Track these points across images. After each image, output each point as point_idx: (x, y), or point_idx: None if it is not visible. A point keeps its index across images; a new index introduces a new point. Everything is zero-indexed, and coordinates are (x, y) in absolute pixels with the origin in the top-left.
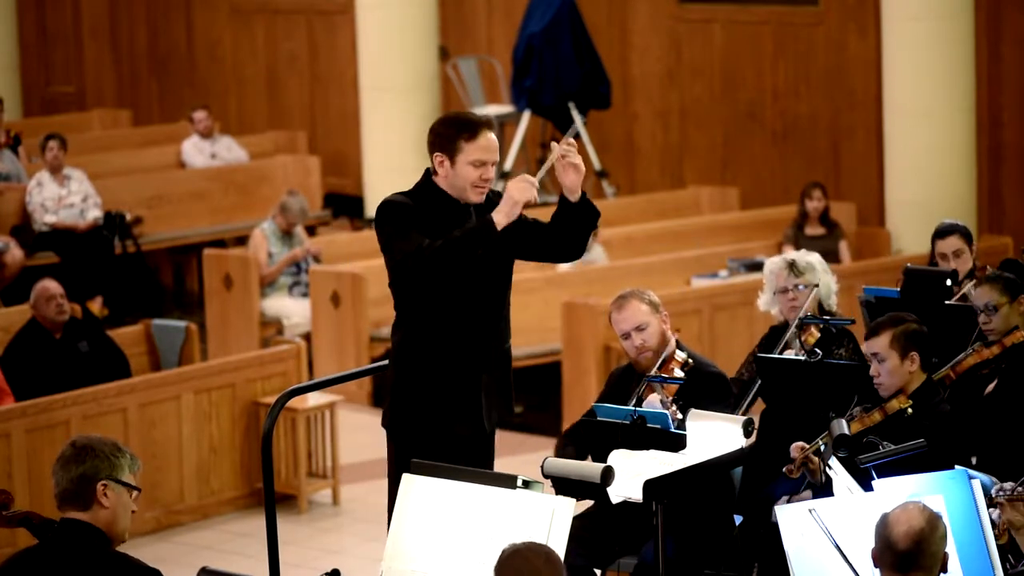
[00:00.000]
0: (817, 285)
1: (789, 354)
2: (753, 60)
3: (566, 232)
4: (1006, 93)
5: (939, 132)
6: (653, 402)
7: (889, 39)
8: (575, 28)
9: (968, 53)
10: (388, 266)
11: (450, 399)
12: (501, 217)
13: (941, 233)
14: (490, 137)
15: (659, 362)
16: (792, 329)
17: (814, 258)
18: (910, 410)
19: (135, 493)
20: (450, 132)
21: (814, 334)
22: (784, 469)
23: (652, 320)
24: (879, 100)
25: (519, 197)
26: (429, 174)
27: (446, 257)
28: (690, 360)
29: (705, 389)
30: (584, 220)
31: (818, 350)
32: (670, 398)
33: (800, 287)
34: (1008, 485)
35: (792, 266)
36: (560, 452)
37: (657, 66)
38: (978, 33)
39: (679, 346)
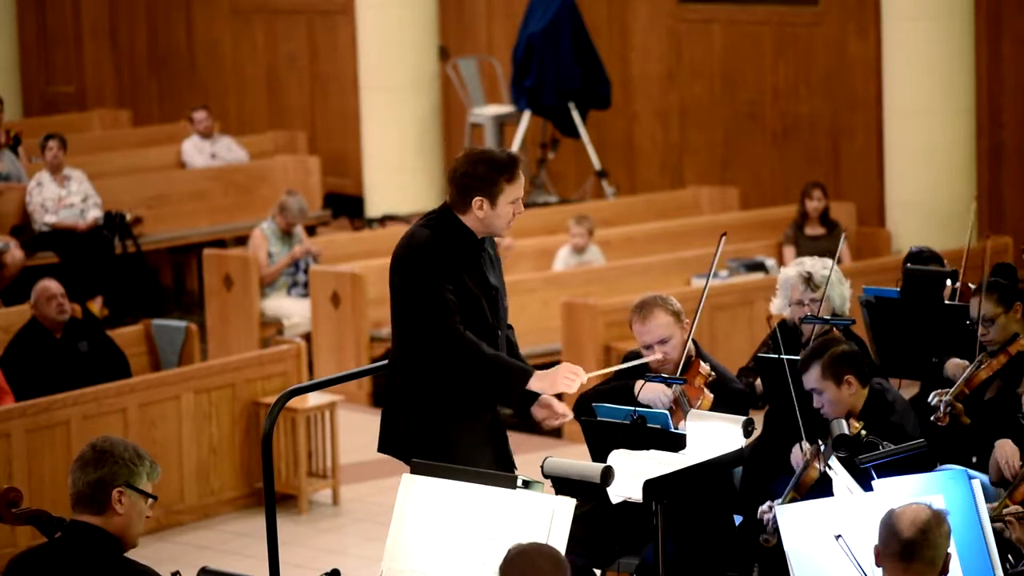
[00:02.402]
0: (822, 300)
1: None
2: (753, 60)
3: None
4: (1006, 93)
5: (939, 132)
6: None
7: (889, 39)
8: (575, 28)
9: (968, 53)
10: (401, 308)
11: (482, 437)
12: (538, 386)
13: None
14: (522, 173)
15: (679, 371)
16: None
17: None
18: (863, 432)
19: (151, 500)
20: (491, 176)
21: None
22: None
23: (675, 332)
24: (879, 100)
25: (562, 388)
26: (448, 209)
27: (473, 367)
28: (712, 374)
29: (728, 408)
30: None
31: None
32: None
33: (817, 302)
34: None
35: (809, 280)
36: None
37: (657, 66)
38: (978, 33)
39: (700, 354)
